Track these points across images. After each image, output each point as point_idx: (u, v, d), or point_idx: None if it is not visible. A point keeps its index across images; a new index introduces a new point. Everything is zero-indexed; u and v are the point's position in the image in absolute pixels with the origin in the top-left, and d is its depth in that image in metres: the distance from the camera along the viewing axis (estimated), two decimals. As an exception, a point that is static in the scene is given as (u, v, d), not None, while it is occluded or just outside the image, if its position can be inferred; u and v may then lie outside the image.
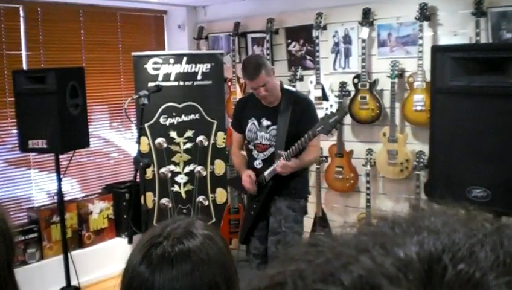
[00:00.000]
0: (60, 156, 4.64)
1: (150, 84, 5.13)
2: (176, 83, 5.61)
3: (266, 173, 4.18)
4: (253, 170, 4.24)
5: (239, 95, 6.00)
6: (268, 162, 4.19)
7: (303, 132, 3.97)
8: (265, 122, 4.21)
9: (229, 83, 6.10)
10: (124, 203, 5.98)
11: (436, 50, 3.06)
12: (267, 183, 4.19)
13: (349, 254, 0.45)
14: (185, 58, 5.64)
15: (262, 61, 4.08)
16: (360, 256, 0.44)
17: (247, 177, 4.23)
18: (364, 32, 5.15)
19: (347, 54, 5.44)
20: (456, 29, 4.75)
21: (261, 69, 3.98)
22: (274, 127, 4.17)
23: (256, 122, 4.25)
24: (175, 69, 5.61)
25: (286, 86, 4.47)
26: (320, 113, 5.44)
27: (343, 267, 0.44)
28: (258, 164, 4.26)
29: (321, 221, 5.53)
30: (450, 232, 0.46)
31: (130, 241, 4.12)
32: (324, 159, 5.52)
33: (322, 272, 0.44)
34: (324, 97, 5.43)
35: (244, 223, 4.47)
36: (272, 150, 4.18)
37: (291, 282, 0.45)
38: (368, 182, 5.21)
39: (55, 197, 4.98)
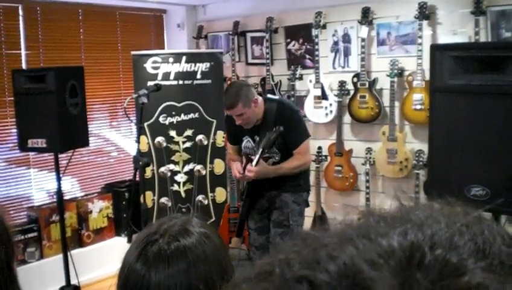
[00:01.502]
0: (60, 155, 4.64)
1: (150, 83, 5.13)
2: (175, 82, 5.61)
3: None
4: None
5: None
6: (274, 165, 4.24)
7: (289, 142, 4.13)
8: (258, 139, 4.25)
9: (229, 82, 6.10)
10: (124, 203, 5.98)
11: (435, 49, 3.06)
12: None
13: (334, 243, 0.47)
14: (184, 58, 5.64)
15: (242, 93, 4.05)
16: (344, 245, 0.46)
17: (236, 169, 4.26)
18: (364, 31, 5.15)
19: (346, 53, 5.44)
20: (456, 28, 4.75)
21: (238, 102, 4.01)
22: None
23: (250, 140, 4.30)
24: (174, 68, 5.61)
25: (270, 96, 4.51)
26: (319, 113, 5.46)
27: (328, 256, 0.46)
28: None
29: (320, 220, 5.54)
30: (432, 224, 0.48)
31: (130, 241, 4.13)
32: (323, 158, 5.52)
33: (308, 260, 0.46)
34: (323, 96, 5.43)
35: (240, 217, 4.54)
36: (272, 160, 4.21)
37: (279, 270, 0.47)
38: (367, 181, 5.21)
39: (55, 197, 4.98)
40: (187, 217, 1.48)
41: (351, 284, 0.43)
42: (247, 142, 4.31)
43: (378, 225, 0.50)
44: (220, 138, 5.67)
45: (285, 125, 4.03)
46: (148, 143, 5.59)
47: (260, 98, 4.21)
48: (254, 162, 4.02)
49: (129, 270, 1.36)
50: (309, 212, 4.56)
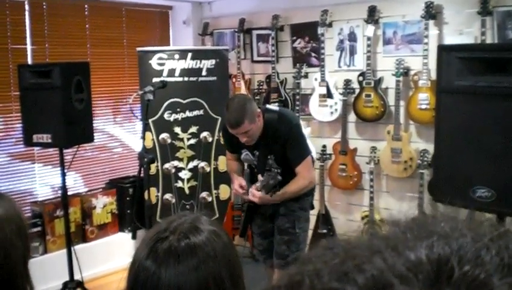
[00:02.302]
0: (64, 151, 4.65)
1: (155, 79, 5.14)
2: (180, 79, 5.61)
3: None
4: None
5: (243, 91, 6.01)
6: None
7: (291, 159, 3.94)
8: (258, 153, 4.08)
9: (234, 80, 6.10)
10: (128, 198, 5.99)
11: (442, 49, 3.06)
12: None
13: (362, 255, 0.48)
14: (189, 54, 5.64)
15: (247, 108, 3.76)
16: (373, 257, 0.47)
17: (239, 187, 4.17)
18: (370, 30, 5.15)
19: (352, 52, 5.44)
20: (462, 28, 4.74)
21: (244, 118, 3.74)
22: (269, 156, 3.90)
23: (249, 153, 4.11)
24: (180, 64, 5.61)
25: (269, 107, 4.19)
26: (324, 111, 5.46)
27: (357, 268, 0.46)
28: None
29: (324, 218, 5.54)
30: (458, 237, 0.48)
31: (134, 237, 4.13)
32: (328, 156, 5.52)
33: (337, 271, 0.47)
34: (329, 95, 5.43)
35: (245, 217, 4.41)
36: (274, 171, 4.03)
37: (308, 281, 0.48)
38: (371, 180, 5.21)
39: (59, 192, 4.99)
40: (196, 215, 1.48)
41: None
42: (246, 155, 4.14)
43: (404, 237, 0.50)
44: (225, 135, 5.66)
45: (285, 141, 3.90)
46: (153, 139, 5.59)
47: (259, 111, 3.93)
48: (259, 186, 3.81)
49: (139, 267, 1.36)
50: (313, 211, 4.54)
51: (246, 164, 4.32)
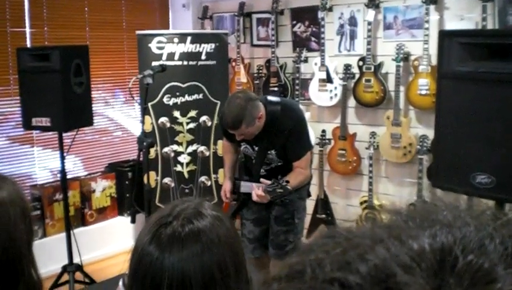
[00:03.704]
0: (64, 134, 4.64)
1: (154, 63, 5.11)
2: (179, 63, 5.59)
3: (243, 186, 4.04)
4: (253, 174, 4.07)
5: (243, 75, 6.00)
6: (273, 170, 3.98)
7: (291, 153, 3.88)
8: (257, 149, 3.99)
9: (233, 64, 6.08)
10: (127, 182, 5.99)
11: (444, 35, 3.05)
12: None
13: (365, 244, 0.48)
14: (189, 38, 5.61)
15: (246, 113, 3.60)
16: (375, 246, 0.47)
17: (224, 192, 4.18)
18: (370, 14, 5.12)
19: (352, 36, 5.42)
20: (463, 13, 4.72)
21: (241, 123, 3.62)
22: (269, 151, 3.93)
23: (249, 147, 4.02)
24: (179, 48, 5.58)
25: (271, 99, 3.96)
26: (324, 96, 5.44)
27: (360, 257, 0.46)
28: (262, 171, 4.03)
29: (323, 203, 5.55)
30: (461, 226, 0.48)
31: (133, 221, 4.13)
32: (327, 141, 5.52)
33: (339, 261, 0.47)
34: (328, 79, 5.42)
35: (239, 204, 4.29)
36: (273, 165, 3.98)
37: (310, 270, 0.47)
38: (370, 165, 5.21)
39: (58, 175, 4.99)
40: (199, 200, 1.48)
41: (383, 287, 0.43)
42: (245, 148, 4.05)
43: (407, 225, 0.50)
44: (224, 119, 5.65)
45: (289, 135, 3.81)
46: (152, 123, 5.58)
47: (263, 109, 3.75)
48: (264, 189, 3.73)
49: (142, 252, 1.36)
50: (312, 196, 4.55)
51: (242, 155, 4.25)
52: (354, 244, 0.48)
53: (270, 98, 3.99)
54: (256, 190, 3.77)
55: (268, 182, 3.72)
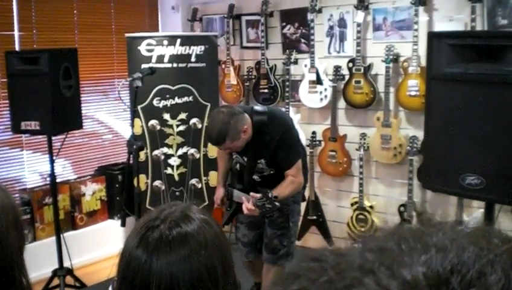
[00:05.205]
0: (53, 138, 4.62)
1: (144, 65, 5.09)
2: (169, 65, 5.58)
3: (235, 194, 4.01)
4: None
5: (233, 77, 5.99)
6: (266, 178, 3.96)
7: (281, 163, 3.84)
8: (246, 159, 3.97)
9: (223, 66, 6.08)
10: (117, 185, 5.97)
11: (433, 36, 3.05)
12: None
13: (353, 275, 0.44)
14: (178, 40, 5.60)
15: (229, 128, 3.57)
16: (364, 278, 0.43)
17: (216, 199, 4.19)
18: (360, 16, 5.13)
19: (342, 38, 5.43)
20: (452, 14, 4.74)
21: (225, 139, 3.60)
22: (259, 161, 3.90)
23: (240, 157, 4.00)
24: (169, 51, 5.57)
25: (258, 109, 3.92)
26: (314, 97, 5.44)
27: None
28: (256, 178, 4.00)
29: (314, 205, 5.55)
30: (458, 251, 0.44)
31: (123, 224, 4.12)
32: (317, 143, 5.52)
33: None
34: (318, 81, 5.42)
35: (234, 210, 4.23)
36: (265, 173, 3.95)
37: None
38: (361, 166, 5.22)
39: (48, 179, 4.97)
40: (187, 204, 1.47)
41: None
42: (237, 158, 4.04)
43: (399, 250, 0.46)
44: (214, 121, 5.64)
45: (277, 145, 3.77)
46: (142, 126, 5.56)
47: (249, 120, 3.71)
48: (254, 203, 3.68)
49: (130, 256, 1.35)
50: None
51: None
52: (340, 273, 0.45)
53: (257, 108, 3.96)
54: (246, 203, 3.72)
55: (258, 195, 3.68)
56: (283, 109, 5.33)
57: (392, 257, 0.44)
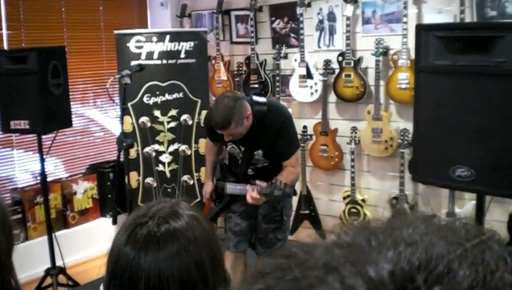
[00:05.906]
0: (43, 137, 4.60)
1: (133, 62, 5.08)
2: (159, 62, 5.56)
3: (229, 187, 4.01)
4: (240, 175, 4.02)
5: (223, 73, 5.98)
6: (260, 171, 3.94)
7: (280, 153, 3.85)
8: (244, 149, 3.95)
9: (213, 61, 6.07)
10: (108, 183, 5.95)
11: (421, 29, 3.04)
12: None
13: (316, 274, 0.43)
14: (168, 36, 5.58)
15: (235, 112, 3.56)
16: (328, 276, 0.42)
17: (205, 194, 4.20)
18: (349, 9, 5.13)
19: (331, 32, 5.42)
20: (441, 6, 4.74)
21: (230, 122, 3.57)
22: (256, 152, 3.89)
23: (236, 147, 3.97)
24: (158, 47, 5.55)
25: (257, 99, 3.90)
26: (304, 92, 5.44)
27: (310, 289, 0.42)
28: (249, 171, 3.98)
29: (306, 199, 5.55)
30: (428, 246, 0.43)
31: (115, 222, 4.11)
32: (309, 137, 5.52)
33: None
34: (309, 75, 5.42)
35: (223, 206, 4.25)
36: (259, 165, 3.93)
37: None
38: (352, 160, 5.22)
39: (39, 178, 4.94)
40: (176, 200, 1.47)
41: None
42: (232, 148, 4.00)
43: (368, 245, 0.45)
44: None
45: (276, 136, 3.77)
46: (133, 123, 5.54)
47: (250, 109, 3.71)
48: (260, 191, 3.64)
49: (118, 253, 1.35)
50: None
51: (227, 155, 4.21)
52: (305, 271, 0.44)
53: (256, 98, 3.93)
54: (251, 192, 3.68)
55: (264, 184, 3.66)
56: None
57: (359, 254, 0.44)
